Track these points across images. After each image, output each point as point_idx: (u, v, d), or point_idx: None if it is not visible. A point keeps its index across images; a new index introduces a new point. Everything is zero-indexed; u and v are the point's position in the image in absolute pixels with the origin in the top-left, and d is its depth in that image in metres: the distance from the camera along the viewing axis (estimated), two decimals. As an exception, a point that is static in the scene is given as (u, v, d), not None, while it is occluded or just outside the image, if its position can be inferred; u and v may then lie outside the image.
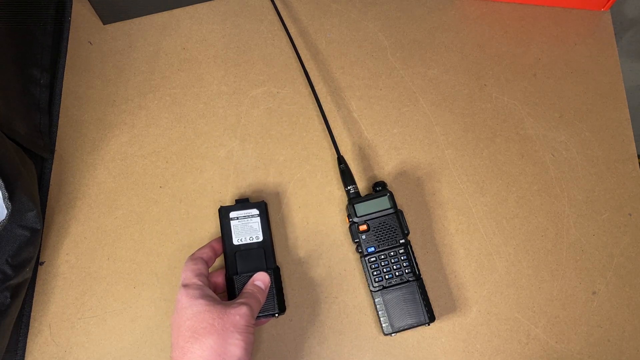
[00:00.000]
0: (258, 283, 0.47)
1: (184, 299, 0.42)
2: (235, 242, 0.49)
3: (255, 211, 0.51)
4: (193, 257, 0.47)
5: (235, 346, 0.40)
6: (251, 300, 0.44)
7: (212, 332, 0.39)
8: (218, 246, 0.50)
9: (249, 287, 0.46)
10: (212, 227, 0.55)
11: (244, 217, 0.50)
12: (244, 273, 0.48)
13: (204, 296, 0.42)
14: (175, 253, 0.54)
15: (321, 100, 0.57)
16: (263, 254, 0.49)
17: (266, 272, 0.48)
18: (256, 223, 0.50)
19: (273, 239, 0.52)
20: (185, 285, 0.44)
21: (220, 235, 0.51)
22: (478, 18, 0.62)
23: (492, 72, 0.59)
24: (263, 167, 0.57)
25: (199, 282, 0.44)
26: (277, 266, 0.50)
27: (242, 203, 0.52)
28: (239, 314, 0.41)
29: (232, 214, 0.50)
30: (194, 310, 0.41)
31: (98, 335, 0.52)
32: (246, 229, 0.50)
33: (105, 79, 0.62)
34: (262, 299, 0.46)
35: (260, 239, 0.50)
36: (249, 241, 0.49)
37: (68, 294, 0.53)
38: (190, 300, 0.42)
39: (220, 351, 0.39)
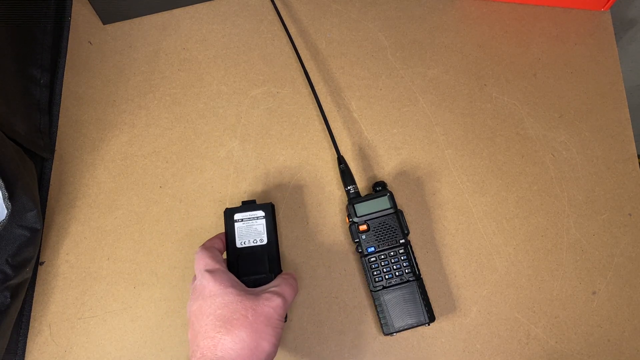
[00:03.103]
0: (286, 276, 0.45)
1: (212, 285, 0.40)
2: (238, 244, 0.48)
3: (260, 213, 0.49)
4: (206, 247, 0.45)
5: (267, 341, 0.38)
6: (286, 290, 0.42)
7: (244, 324, 0.38)
8: (224, 239, 0.48)
9: (279, 279, 0.44)
10: (212, 227, 0.54)
11: (249, 219, 0.49)
12: (245, 277, 0.46)
13: (234, 284, 0.41)
14: (175, 253, 0.54)
15: (321, 100, 0.57)
16: (267, 258, 0.47)
17: (272, 274, 0.46)
18: (261, 225, 0.48)
19: (279, 242, 0.50)
20: (210, 271, 0.41)
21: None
22: (478, 18, 0.62)
23: (492, 72, 0.59)
24: (263, 167, 0.57)
25: (224, 268, 0.42)
26: (283, 271, 0.48)
27: (248, 204, 0.50)
28: (271, 306, 0.39)
29: (237, 216, 0.49)
30: (225, 300, 0.39)
31: (98, 335, 0.52)
32: (250, 232, 0.48)
33: (105, 79, 0.62)
34: (296, 288, 0.44)
35: (265, 242, 0.48)
36: (252, 244, 0.48)
37: (68, 294, 0.53)
38: (220, 287, 0.40)
39: (252, 345, 0.37)
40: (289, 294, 0.42)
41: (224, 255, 0.48)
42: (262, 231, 0.48)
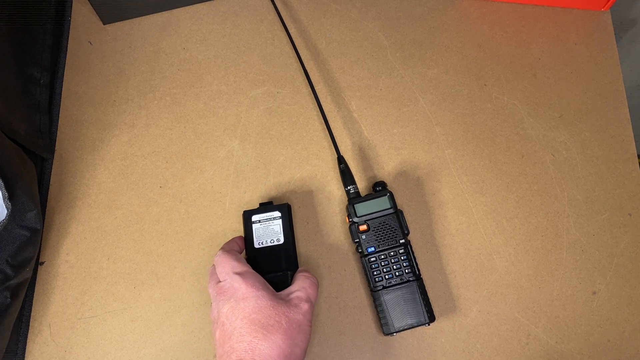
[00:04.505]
0: (306, 274, 0.45)
1: (244, 288, 0.40)
2: (256, 245, 0.49)
3: (277, 214, 0.50)
4: (226, 250, 0.45)
5: (300, 348, 0.39)
6: (311, 293, 0.43)
7: (279, 330, 0.38)
8: (241, 242, 0.49)
9: (301, 281, 0.44)
10: (212, 227, 0.55)
11: (266, 220, 0.50)
12: (262, 274, 0.46)
13: (264, 287, 0.41)
14: (175, 253, 0.54)
15: (321, 100, 0.57)
16: (282, 256, 0.48)
17: (289, 272, 0.47)
18: (277, 225, 0.50)
19: (296, 241, 0.52)
20: (239, 274, 0.41)
21: (242, 233, 0.50)
22: (478, 18, 0.62)
23: (492, 72, 0.59)
24: (263, 167, 0.57)
25: (252, 270, 0.42)
26: (299, 268, 0.49)
27: (265, 206, 0.51)
28: (302, 312, 0.40)
29: (254, 217, 0.50)
30: (259, 304, 0.39)
31: (98, 335, 0.52)
32: (268, 232, 0.50)
33: (105, 79, 0.62)
34: (318, 287, 0.45)
35: (281, 241, 0.49)
36: (269, 244, 0.49)
37: (68, 294, 0.53)
38: (252, 289, 0.40)
39: (287, 352, 0.38)
40: (314, 296, 0.43)
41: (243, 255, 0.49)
42: (279, 231, 0.50)
